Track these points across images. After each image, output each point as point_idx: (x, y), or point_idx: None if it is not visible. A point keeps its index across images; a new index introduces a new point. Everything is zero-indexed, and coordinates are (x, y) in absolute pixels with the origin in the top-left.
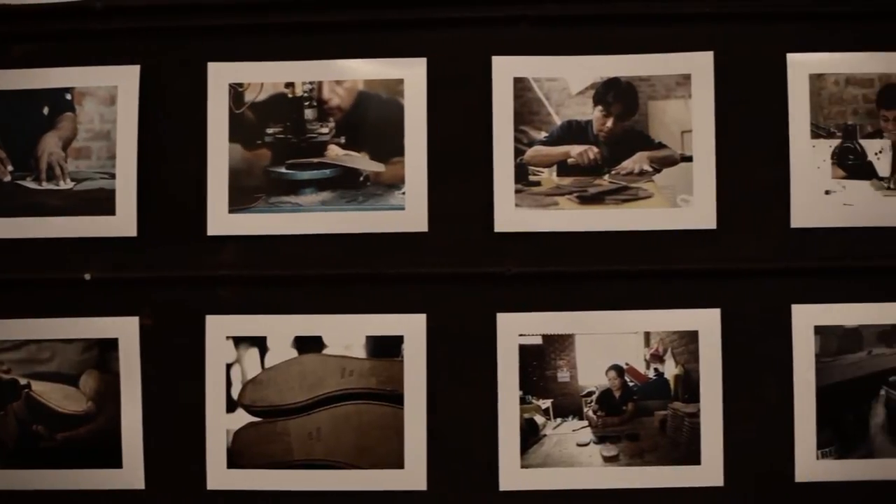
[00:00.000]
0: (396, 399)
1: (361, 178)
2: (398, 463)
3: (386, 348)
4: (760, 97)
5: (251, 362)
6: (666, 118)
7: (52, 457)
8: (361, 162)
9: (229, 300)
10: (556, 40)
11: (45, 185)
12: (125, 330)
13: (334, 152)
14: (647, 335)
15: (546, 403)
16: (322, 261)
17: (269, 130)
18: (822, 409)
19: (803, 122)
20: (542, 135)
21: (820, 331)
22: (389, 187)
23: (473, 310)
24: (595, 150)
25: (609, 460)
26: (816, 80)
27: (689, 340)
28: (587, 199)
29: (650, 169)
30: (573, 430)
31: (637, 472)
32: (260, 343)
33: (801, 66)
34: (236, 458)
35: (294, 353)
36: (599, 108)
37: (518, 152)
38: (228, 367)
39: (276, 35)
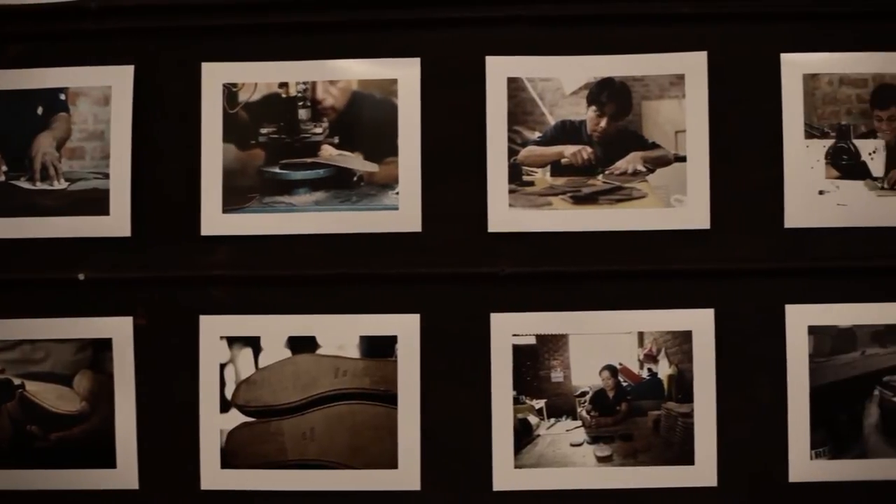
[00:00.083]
0: (390, 399)
1: (355, 179)
2: (392, 463)
3: (379, 348)
4: (754, 97)
5: (245, 362)
6: (660, 118)
7: (45, 457)
8: (355, 162)
9: (223, 300)
10: (550, 40)
11: (39, 186)
12: (119, 330)
13: (328, 152)
14: (641, 335)
15: (540, 403)
16: (316, 261)
17: (263, 130)
18: (816, 409)
19: (797, 123)
20: (536, 135)
21: (814, 331)
22: (383, 187)
23: (467, 310)
24: (589, 150)
25: (603, 460)
26: (810, 80)
27: (682, 340)
28: (581, 200)
29: (644, 169)
30: (567, 431)
31: (630, 473)
32: (254, 343)
33: (795, 66)
34: (230, 459)
35: (288, 353)
36: (593, 108)
37: (512, 152)
38: (222, 367)
39: (270, 35)
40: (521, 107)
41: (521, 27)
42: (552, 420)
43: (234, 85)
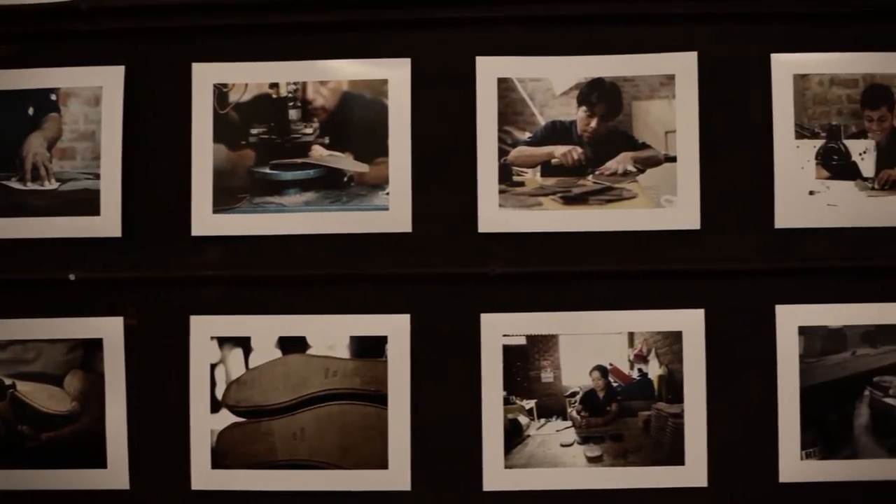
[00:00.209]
0: (380, 399)
1: (345, 179)
2: (382, 463)
3: (370, 348)
4: (744, 97)
5: (235, 362)
6: (650, 118)
7: (36, 457)
8: (345, 162)
9: (213, 300)
10: (540, 41)
11: (30, 186)
12: (110, 330)
13: (318, 153)
14: (631, 335)
15: (530, 404)
16: (306, 261)
17: (254, 131)
18: (807, 409)
19: (787, 123)
20: (526, 135)
21: (804, 331)
22: (373, 188)
23: (457, 310)
24: (579, 150)
25: (593, 461)
26: (801, 80)
27: (672, 341)
28: (571, 200)
29: (634, 169)
30: (557, 431)
31: (621, 473)
32: (244, 343)
33: (786, 67)
34: (221, 459)
35: (278, 354)
36: (583, 108)
37: (502, 153)
38: (213, 367)
39: (261, 36)
40: (511, 107)
41: (512, 27)
42: (542, 420)
43: (225, 85)
